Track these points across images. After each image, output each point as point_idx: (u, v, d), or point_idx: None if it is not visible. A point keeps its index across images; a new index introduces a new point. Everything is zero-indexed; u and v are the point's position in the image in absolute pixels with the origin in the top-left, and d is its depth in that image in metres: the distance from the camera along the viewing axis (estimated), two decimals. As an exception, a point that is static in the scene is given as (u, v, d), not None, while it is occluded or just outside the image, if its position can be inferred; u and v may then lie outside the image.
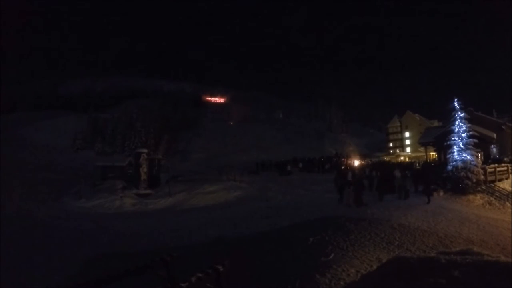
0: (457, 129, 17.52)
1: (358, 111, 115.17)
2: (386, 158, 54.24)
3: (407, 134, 68.87)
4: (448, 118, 20.84)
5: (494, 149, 27.21)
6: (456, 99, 17.93)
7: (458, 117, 17.61)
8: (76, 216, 17.99)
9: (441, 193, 16.17)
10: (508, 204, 15.05)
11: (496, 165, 20.04)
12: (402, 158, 59.31)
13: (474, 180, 16.16)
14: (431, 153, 38.24)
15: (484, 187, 16.71)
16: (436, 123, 56.14)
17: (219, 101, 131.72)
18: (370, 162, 37.32)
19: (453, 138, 17.51)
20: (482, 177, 16.66)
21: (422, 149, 40.45)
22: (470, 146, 17.01)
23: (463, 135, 17.24)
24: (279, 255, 7.95)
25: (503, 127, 30.14)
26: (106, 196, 21.76)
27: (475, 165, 16.63)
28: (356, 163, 31.61)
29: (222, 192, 22.45)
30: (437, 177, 17.98)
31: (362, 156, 42.28)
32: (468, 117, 18.16)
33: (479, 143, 18.08)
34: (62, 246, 11.37)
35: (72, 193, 23.22)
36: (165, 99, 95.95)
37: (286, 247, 8.67)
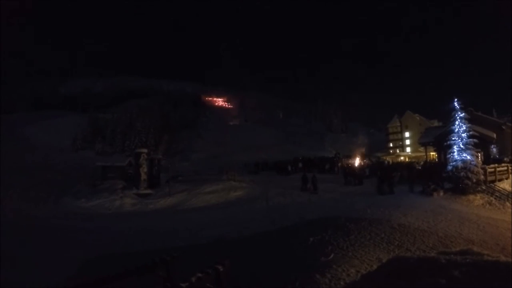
0: (457, 129, 17.51)
1: (358, 111, 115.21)
2: (386, 158, 54.21)
3: (407, 134, 68.84)
4: (448, 118, 20.84)
5: (494, 149, 27.19)
6: (456, 99, 17.93)
7: (458, 117, 17.61)
8: (76, 216, 17.98)
9: (441, 193, 16.17)
10: (508, 204, 15.03)
11: (496, 165, 20.02)
12: (402, 158, 59.32)
13: (474, 180, 16.15)
14: (431, 153, 38.21)
15: (484, 187, 16.70)
16: (436, 123, 56.17)
17: (219, 101, 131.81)
18: (370, 162, 37.30)
19: (453, 138, 17.50)
20: (482, 177, 16.65)
21: (422, 149, 40.42)
22: (470, 146, 17.01)
23: (463, 135, 17.23)
24: (279, 255, 7.96)
25: (503, 127, 30.10)
26: (106, 196, 21.76)
27: (475, 165, 16.62)
28: (356, 163, 31.57)
29: (222, 192, 22.44)
30: (437, 177, 17.99)
31: (361, 156, 42.24)
32: (468, 117, 18.14)
33: (479, 143, 18.06)
34: (62, 246, 11.36)
35: (72, 193, 23.22)
36: (165, 99, 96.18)
37: (286, 247, 8.67)
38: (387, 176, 19.97)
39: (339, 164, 33.36)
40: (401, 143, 70.01)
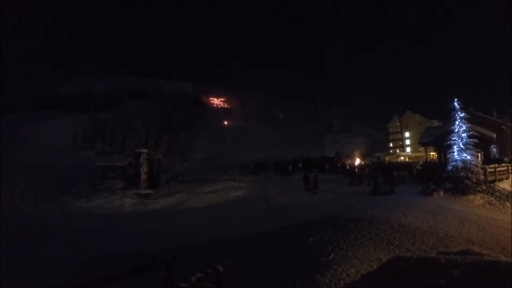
0: (457, 129, 17.52)
1: (358, 111, 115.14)
2: (387, 158, 54.23)
3: (407, 134, 68.80)
4: (448, 118, 20.82)
5: (494, 149, 27.17)
6: (456, 99, 17.94)
7: (458, 117, 17.61)
8: (76, 216, 17.98)
9: (441, 193, 16.17)
10: (508, 204, 15.03)
11: (496, 165, 20.02)
12: (402, 158, 59.31)
13: (474, 180, 16.15)
14: (431, 153, 38.21)
15: (484, 187, 16.69)
16: (436, 123, 56.05)
17: (219, 101, 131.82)
18: (370, 162, 37.35)
19: (453, 138, 17.51)
20: (482, 177, 16.65)
21: (422, 149, 40.37)
22: (470, 146, 17.01)
23: (463, 135, 17.23)
24: (279, 255, 7.96)
25: (503, 127, 30.07)
26: (106, 196, 21.75)
27: (475, 165, 16.61)
28: (356, 163, 31.63)
29: (222, 192, 22.42)
30: (437, 177, 17.99)
31: (361, 156, 42.27)
32: (468, 117, 18.14)
33: (479, 143, 18.05)
34: (62, 246, 11.37)
35: (72, 193, 23.19)
36: (165, 99, 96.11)
37: (286, 247, 8.67)
38: (387, 176, 20.00)
39: (339, 164, 33.40)
40: (401, 143, 69.97)
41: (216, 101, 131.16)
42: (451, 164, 17.18)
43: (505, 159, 24.12)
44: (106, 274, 3.76)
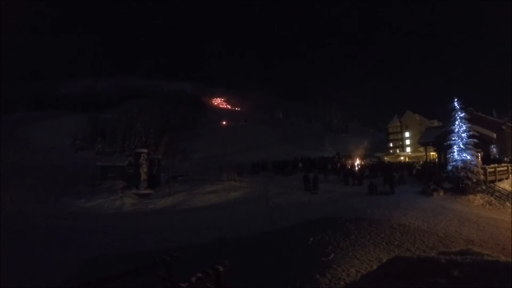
0: (457, 129, 17.53)
1: (358, 111, 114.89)
2: (386, 158, 54.25)
3: (407, 134, 68.81)
4: (448, 118, 20.85)
5: (494, 149, 27.18)
6: (456, 99, 17.94)
7: (458, 117, 17.62)
8: (76, 216, 17.98)
9: (441, 193, 16.18)
10: (508, 204, 15.04)
11: (496, 165, 20.03)
12: (402, 158, 59.31)
13: (474, 180, 16.16)
14: (431, 153, 38.22)
15: (484, 187, 16.71)
16: (436, 123, 56.07)
17: (219, 101, 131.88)
18: (370, 162, 37.35)
19: (453, 138, 17.51)
20: (482, 177, 16.66)
21: (422, 149, 40.41)
22: (470, 146, 17.02)
23: (463, 135, 17.24)
24: (279, 255, 7.96)
25: (503, 127, 30.08)
26: (106, 196, 21.75)
27: (475, 165, 16.62)
28: (356, 163, 31.64)
29: (222, 192, 22.43)
30: (437, 177, 18.00)
31: (361, 156, 42.27)
32: (468, 117, 18.16)
33: (479, 143, 18.06)
34: (62, 246, 11.36)
35: (72, 193, 23.20)
36: (165, 99, 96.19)
37: (286, 247, 8.67)
38: (387, 176, 20.02)
39: (339, 165, 33.42)
40: (401, 143, 69.96)
41: (216, 101, 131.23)
42: (451, 164, 17.20)
43: (505, 159, 24.13)
44: (106, 274, 3.76)
